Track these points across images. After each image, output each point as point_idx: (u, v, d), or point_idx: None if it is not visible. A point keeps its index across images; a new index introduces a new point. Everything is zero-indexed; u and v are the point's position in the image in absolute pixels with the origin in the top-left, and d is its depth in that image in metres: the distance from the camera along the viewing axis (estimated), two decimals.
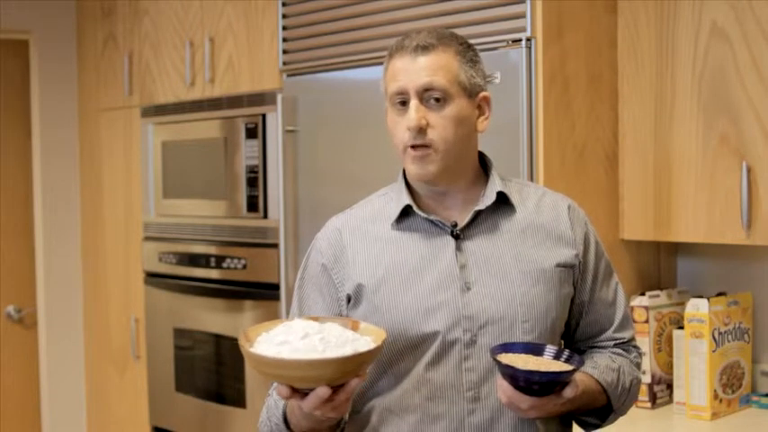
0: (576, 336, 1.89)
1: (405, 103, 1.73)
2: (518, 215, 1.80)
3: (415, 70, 1.71)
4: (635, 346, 1.92)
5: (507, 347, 1.68)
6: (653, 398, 2.74)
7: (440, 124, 1.71)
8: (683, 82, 2.64)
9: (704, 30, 2.59)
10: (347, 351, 1.57)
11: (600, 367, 1.80)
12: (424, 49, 1.72)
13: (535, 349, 1.69)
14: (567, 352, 1.70)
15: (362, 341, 1.61)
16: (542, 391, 1.61)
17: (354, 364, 1.57)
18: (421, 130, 1.71)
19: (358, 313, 1.78)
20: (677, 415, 2.69)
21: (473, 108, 1.76)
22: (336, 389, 1.58)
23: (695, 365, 2.65)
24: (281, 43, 3.28)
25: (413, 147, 1.72)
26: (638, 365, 1.91)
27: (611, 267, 1.90)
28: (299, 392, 1.59)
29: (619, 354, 1.87)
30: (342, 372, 1.56)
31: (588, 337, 1.89)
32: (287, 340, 1.59)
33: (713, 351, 2.64)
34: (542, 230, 1.80)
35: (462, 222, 1.77)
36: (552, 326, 1.77)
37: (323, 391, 1.56)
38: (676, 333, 2.73)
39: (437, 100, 1.71)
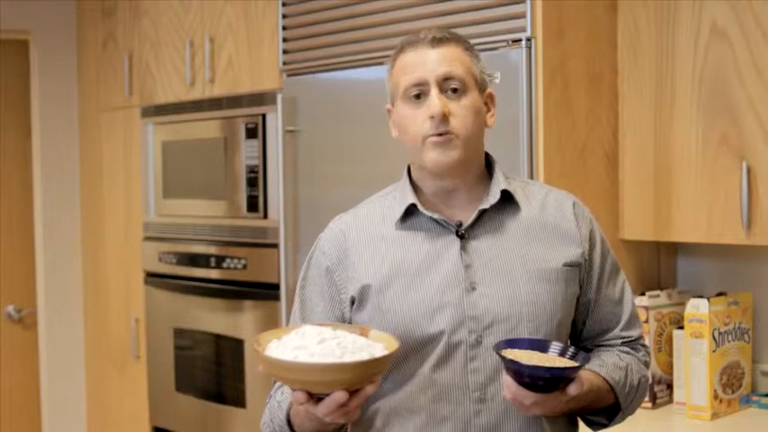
0: (582, 334, 1.87)
1: (419, 96, 1.73)
2: (523, 214, 1.79)
3: (433, 61, 1.72)
4: (643, 345, 1.89)
5: (512, 343, 1.67)
6: (653, 398, 2.74)
7: (460, 113, 1.72)
8: (683, 82, 2.64)
9: (704, 30, 2.59)
10: (364, 356, 1.56)
11: (607, 365, 1.79)
12: (440, 41, 1.74)
13: (540, 346, 1.68)
14: (572, 349, 1.69)
15: (377, 347, 1.61)
16: (547, 388, 1.60)
17: (373, 368, 1.57)
18: (444, 118, 1.70)
19: (363, 315, 1.77)
20: (677, 415, 2.69)
21: (483, 102, 1.77)
22: (350, 394, 1.57)
23: (695, 365, 2.65)
24: (281, 43, 3.28)
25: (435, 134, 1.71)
26: (647, 364, 1.89)
27: (617, 265, 1.88)
28: (312, 397, 1.58)
29: (626, 352, 1.85)
30: (360, 376, 1.56)
31: (595, 336, 1.87)
32: (303, 345, 1.58)
33: (713, 351, 2.64)
34: (547, 229, 1.79)
35: (467, 222, 1.76)
36: (558, 326, 1.75)
37: (340, 396, 1.55)
38: (676, 333, 2.74)
39: (454, 90, 1.72)
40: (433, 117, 1.70)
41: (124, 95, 4.07)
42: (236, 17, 3.48)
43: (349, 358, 1.55)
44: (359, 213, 1.86)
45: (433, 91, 1.71)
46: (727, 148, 2.56)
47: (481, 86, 1.77)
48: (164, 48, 3.84)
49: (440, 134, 1.71)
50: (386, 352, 1.59)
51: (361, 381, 1.57)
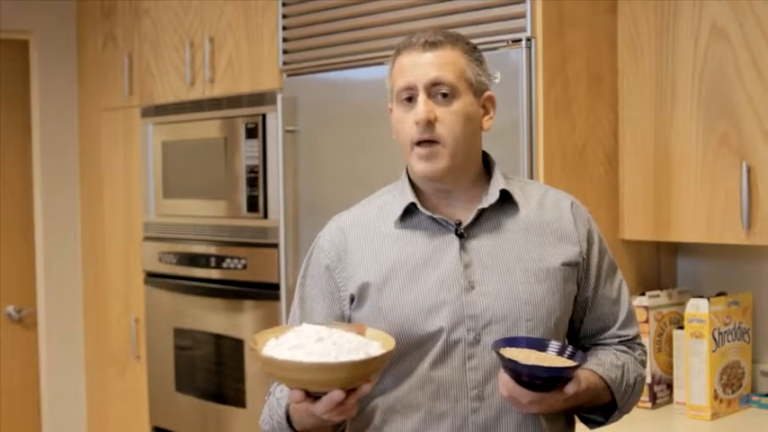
0: (580, 333, 1.89)
1: (411, 99, 1.74)
2: (521, 213, 1.80)
3: (423, 65, 1.72)
4: (639, 344, 1.91)
5: (511, 342, 1.68)
6: (653, 398, 2.74)
7: (447, 119, 1.72)
8: (683, 82, 2.64)
9: (704, 30, 2.59)
10: (360, 355, 1.58)
11: (604, 364, 1.80)
12: (433, 45, 1.74)
13: (538, 344, 1.69)
14: (570, 348, 1.70)
15: (373, 346, 1.62)
16: (544, 387, 1.61)
17: (369, 368, 1.58)
18: (429, 124, 1.71)
19: (362, 313, 1.78)
20: (677, 415, 2.69)
21: (479, 106, 1.77)
22: (347, 393, 1.58)
23: (695, 365, 2.65)
24: (281, 43, 3.28)
25: (419, 144, 1.72)
26: (643, 363, 1.90)
27: (614, 264, 1.90)
28: (309, 396, 1.60)
29: (623, 351, 1.87)
30: (356, 375, 1.57)
31: (592, 335, 1.89)
32: (300, 344, 1.60)
33: (713, 351, 2.64)
34: (546, 228, 1.80)
35: (466, 221, 1.77)
36: (556, 325, 1.77)
37: (337, 395, 1.57)
38: (676, 333, 2.74)
39: (444, 95, 1.72)
40: (417, 123, 1.71)
41: (124, 95, 4.07)
42: (236, 17, 3.48)
43: (345, 357, 1.57)
44: (358, 212, 1.87)
45: (421, 96, 1.72)
46: (727, 148, 2.56)
47: (476, 90, 1.76)
48: (164, 48, 3.84)
49: (425, 143, 1.72)
50: (382, 351, 1.61)
51: (358, 379, 1.58)
